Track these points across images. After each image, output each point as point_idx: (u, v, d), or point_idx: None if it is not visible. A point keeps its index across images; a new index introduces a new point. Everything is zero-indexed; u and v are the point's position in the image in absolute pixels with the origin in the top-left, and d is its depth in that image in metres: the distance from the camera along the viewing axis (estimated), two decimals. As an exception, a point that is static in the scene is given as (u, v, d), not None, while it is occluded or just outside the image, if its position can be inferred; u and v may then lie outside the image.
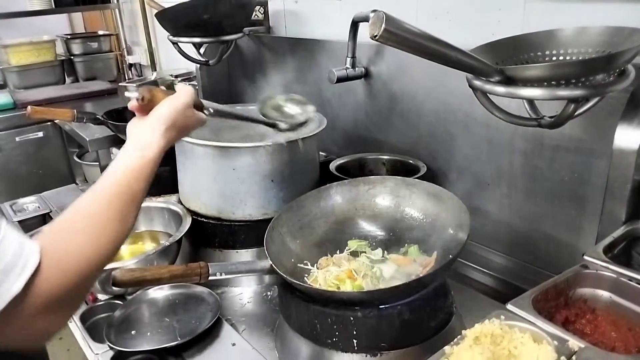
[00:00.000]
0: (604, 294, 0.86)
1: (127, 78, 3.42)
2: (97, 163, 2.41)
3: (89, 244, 0.66)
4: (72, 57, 3.34)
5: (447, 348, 0.71)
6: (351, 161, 1.60)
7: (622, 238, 0.98)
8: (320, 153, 1.65)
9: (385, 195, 1.26)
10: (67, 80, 3.36)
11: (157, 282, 0.93)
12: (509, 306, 0.78)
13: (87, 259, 0.64)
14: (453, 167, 1.47)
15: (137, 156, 0.79)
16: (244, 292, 1.31)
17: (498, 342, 0.72)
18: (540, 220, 1.31)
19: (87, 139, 2.12)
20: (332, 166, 1.52)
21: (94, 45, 3.33)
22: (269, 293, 1.31)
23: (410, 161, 1.54)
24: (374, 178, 1.30)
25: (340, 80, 1.58)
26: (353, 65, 1.59)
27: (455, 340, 0.73)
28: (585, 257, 0.90)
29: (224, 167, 1.29)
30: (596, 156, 1.15)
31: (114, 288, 1.22)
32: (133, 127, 0.88)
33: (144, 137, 0.83)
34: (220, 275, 0.97)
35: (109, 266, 1.08)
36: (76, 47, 3.31)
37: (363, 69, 1.62)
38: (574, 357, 0.67)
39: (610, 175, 1.04)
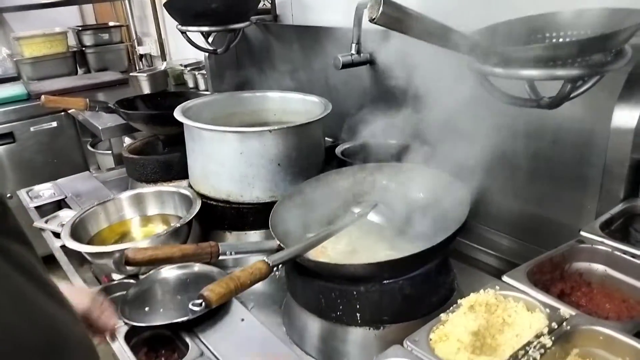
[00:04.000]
0: (599, 267, 0.89)
1: (137, 68, 3.47)
2: (110, 152, 2.47)
3: None
4: (83, 49, 3.39)
5: (442, 315, 0.75)
6: (357, 146, 1.63)
7: (620, 215, 1.00)
8: (327, 139, 1.68)
9: (384, 181, 1.29)
10: (79, 71, 3.42)
11: (168, 260, 0.97)
12: (505, 278, 0.81)
13: None
14: (457, 150, 1.49)
15: None
16: (253, 272, 1.35)
17: (492, 311, 0.75)
18: (542, 201, 1.33)
19: (100, 128, 2.17)
20: (338, 150, 1.55)
21: (105, 36, 3.38)
22: (276, 273, 1.34)
23: (415, 145, 1.56)
24: (372, 165, 1.33)
25: (345, 66, 1.61)
26: (358, 52, 1.61)
27: (451, 308, 0.76)
28: (582, 233, 0.92)
29: (231, 151, 1.32)
30: (596, 136, 1.17)
31: (127, 268, 1.28)
32: None
33: None
34: (230, 254, 1.01)
35: (122, 246, 1.14)
36: (87, 39, 3.37)
37: (368, 55, 1.64)
38: (564, 323, 0.70)
39: (609, 155, 1.07)
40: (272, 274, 0.97)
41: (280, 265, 0.93)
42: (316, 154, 1.46)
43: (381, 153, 1.62)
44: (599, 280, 0.89)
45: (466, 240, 1.46)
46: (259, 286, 1.30)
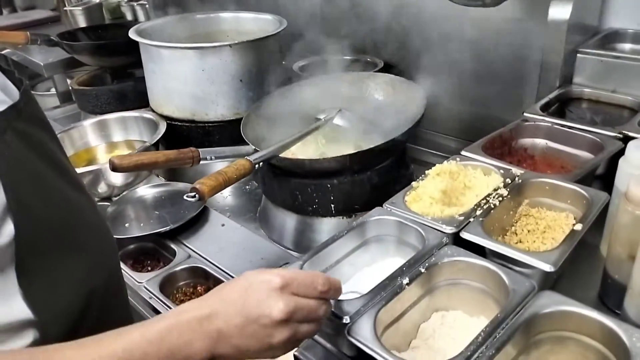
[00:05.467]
0: (541, 141, 1.02)
1: (66, 5, 3.27)
2: (54, 92, 2.38)
3: None
4: (6, -15, 3.16)
5: (413, 183, 0.85)
6: (313, 63, 1.68)
7: (557, 99, 1.13)
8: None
9: (345, 89, 1.37)
10: (4, 11, 3.19)
11: (153, 165, 1.01)
12: (463, 152, 0.92)
13: None
14: (408, 61, 1.57)
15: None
16: (224, 188, 1.41)
17: (455, 178, 0.86)
18: (488, 102, 1.45)
19: (42, 64, 2.09)
20: (296, 67, 1.60)
21: (28, -29, 3.14)
22: (247, 187, 1.42)
23: (368, 59, 1.63)
24: (332, 75, 1.40)
25: (295, -19, 1.62)
26: (307, -35, 1.63)
27: (420, 177, 0.86)
28: (525, 114, 1.04)
29: (193, 68, 1.34)
30: (534, 36, 1.27)
31: (102, 189, 1.31)
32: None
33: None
34: (211, 159, 1.06)
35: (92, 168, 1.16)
36: (8, -26, 3.13)
37: (317, -31, 1.66)
38: (516, 179, 0.82)
39: (545, 47, 1.18)
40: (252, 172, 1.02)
41: (261, 163, 0.99)
42: (276, 70, 1.50)
43: (337, 68, 1.69)
44: (541, 152, 1.02)
45: (419, 147, 1.57)
46: (231, 199, 1.38)
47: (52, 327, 0.56)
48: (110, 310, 0.70)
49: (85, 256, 0.64)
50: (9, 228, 0.52)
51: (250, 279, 0.56)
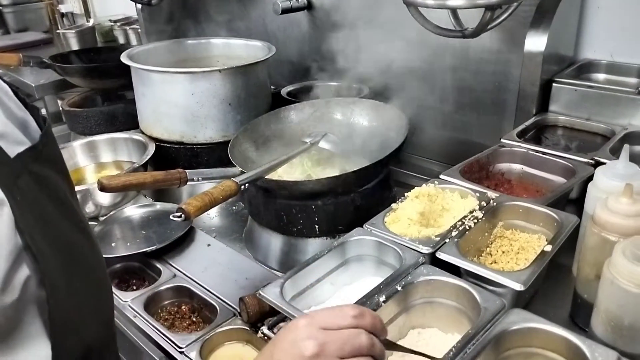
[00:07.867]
0: (517, 166, 1.06)
1: (59, 28, 3.31)
2: (44, 112, 2.40)
3: None
4: (0, 8, 3.19)
5: (393, 205, 0.88)
6: (301, 88, 1.72)
7: (533, 126, 1.17)
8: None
9: (331, 114, 1.41)
10: (-3, 32, 3.23)
11: (141, 186, 1.03)
12: (442, 176, 0.96)
13: None
14: (392, 87, 1.63)
15: None
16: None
17: (433, 200, 0.90)
18: (469, 128, 1.50)
19: (34, 85, 2.11)
20: (284, 92, 1.64)
21: (23, -7, 3.19)
22: (234, 207, 1.44)
23: (354, 85, 1.68)
24: (319, 101, 1.44)
25: (284, 11, 1.68)
26: (296, -4, 1.69)
27: (400, 199, 0.90)
28: (502, 140, 1.08)
29: (183, 92, 1.38)
30: (512, 66, 1.33)
31: (92, 206, 1.33)
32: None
33: None
34: (198, 180, 1.09)
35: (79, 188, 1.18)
36: (4, -3, 3.17)
37: (305, 0, 1.72)
38: (491, 202, 0.86)
39: (522, 76, 1.23)
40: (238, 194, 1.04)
41: (247, 184, 1.02)
42: (264, 95, 1.54)
43: (323, 93, 1.73)
44: (517, 177, 1.06)
45: (403, 170, 1.61)
46: (217, 220, 1.40)
47: None
48: None
49: (79, 300, 0.61)
50: (24, 272, 0.52)
51: (289, 325, 0.60)
